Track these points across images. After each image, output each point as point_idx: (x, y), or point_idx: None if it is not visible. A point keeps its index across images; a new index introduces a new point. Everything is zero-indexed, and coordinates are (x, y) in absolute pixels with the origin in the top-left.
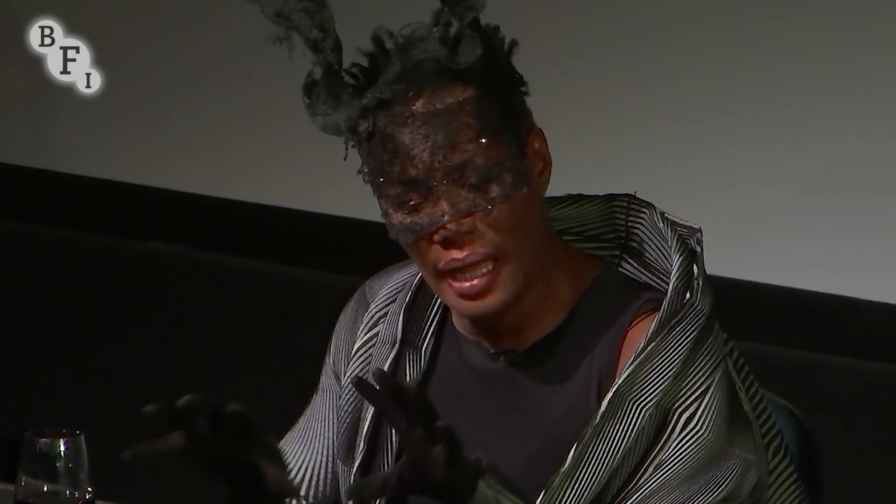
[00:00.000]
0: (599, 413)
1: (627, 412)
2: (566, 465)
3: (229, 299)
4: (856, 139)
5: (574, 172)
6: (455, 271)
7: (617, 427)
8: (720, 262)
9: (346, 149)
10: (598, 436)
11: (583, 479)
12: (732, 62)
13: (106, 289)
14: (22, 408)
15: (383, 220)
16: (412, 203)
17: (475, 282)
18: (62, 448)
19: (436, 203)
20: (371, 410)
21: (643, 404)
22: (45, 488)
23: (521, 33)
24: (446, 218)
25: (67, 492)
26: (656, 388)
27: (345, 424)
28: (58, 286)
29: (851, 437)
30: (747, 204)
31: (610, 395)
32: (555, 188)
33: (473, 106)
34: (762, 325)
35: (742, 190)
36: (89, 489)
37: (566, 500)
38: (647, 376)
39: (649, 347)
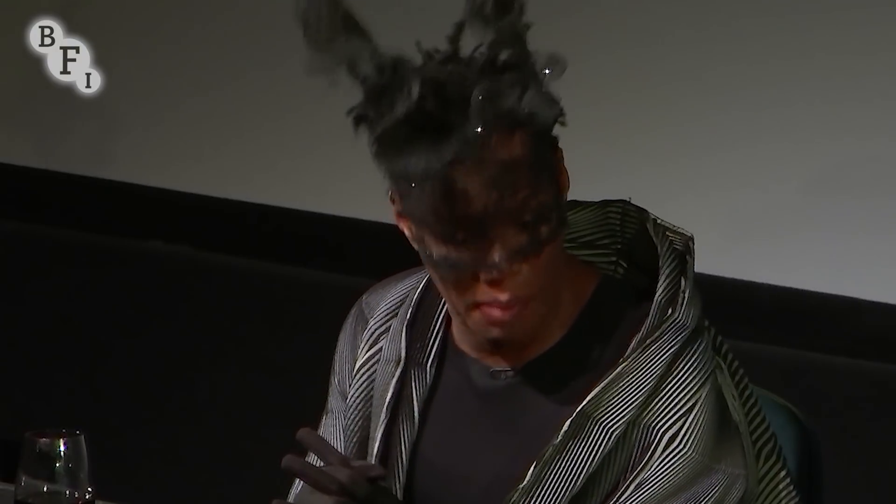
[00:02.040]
0: (561, 432)
1: (591, 432)
2: (524, 482)
3: (229, 299)
4: (856, 139)
5: (575, 172)
6: (491, 300)
7: (579, 447)
8: (720, 262)
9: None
10: (559, 455)
11: (541, 497)
12: (733, 62)
13: (106, 289)
14: (22, 408)
15: (413, 245)
16: (460, 237)
17: (510, 312)
18: (62, 448)
19: (487, 241)
20: (381, 429)
21: (609, 425)
22: (45, 488)
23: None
24: (499, 261)
25: (67, 492)
26: (626, 408)
27: (352, 443)
28: (58, 286)
29: (851, 437)
30: (748, 204)
31: (574, 415)
32: None
33: (533, 150)
34: (762, 325)
35: (743, 190)
36: (89, 489)
37: None
38: (615, 396)
39: (620, 367)
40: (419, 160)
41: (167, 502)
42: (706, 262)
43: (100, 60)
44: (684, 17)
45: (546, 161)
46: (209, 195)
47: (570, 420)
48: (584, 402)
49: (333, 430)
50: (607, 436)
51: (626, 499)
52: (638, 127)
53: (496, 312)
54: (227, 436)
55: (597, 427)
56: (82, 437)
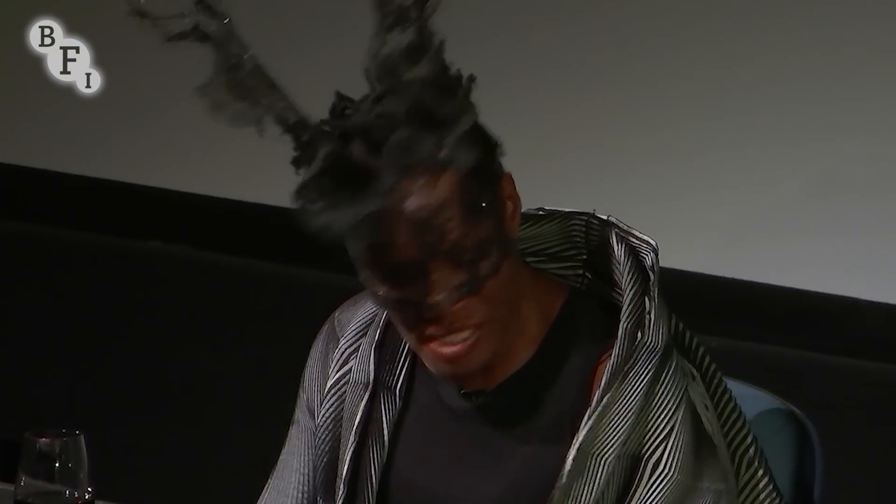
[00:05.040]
0: (566, 472)
1: (592, 466)
2: None
3: (229, 299)
4: (856, 139)
5: (574, 173)
6: (438, 336)
7: (583, 482)
8: (721, 262)
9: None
10: (567, 495)
11: None
12: (733, 62)
13: (106, 289)
14: (22, 408)
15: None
16: (397, 279)
17: (457, 348)
18: (62, 448)
19: (424, 281)
20: (350, 451)
21: (605, 456)
22: (46, 488)
23: (526, 34)
24: (438, 301)
25: (67, 492)
26: (616, 439)
27: (322, 462)
28: (58, 286)
29: (851, 437)
30: (748, 204)
31: (574, 452)
32: (558, 189)
33: (463, 189)
34: (762, 325)
35: (742, 190)
36: (89, 489)
37: None
38: (606, 429)
39: (605, 399)
40: (340, 216)
41: (167, 502)
42: (707, 262)
43: (100, 60)
44: (683, 16)
45: (481, 196)
46: (209, 195)
47: (571, 458)
48: (580, 440)
49: (298, 443)
50: (604, 466)
51: None
52: (637, 127)
53: (445, 349)
54: (227, 435)
55: (595, 461)
56: (82, 437)
